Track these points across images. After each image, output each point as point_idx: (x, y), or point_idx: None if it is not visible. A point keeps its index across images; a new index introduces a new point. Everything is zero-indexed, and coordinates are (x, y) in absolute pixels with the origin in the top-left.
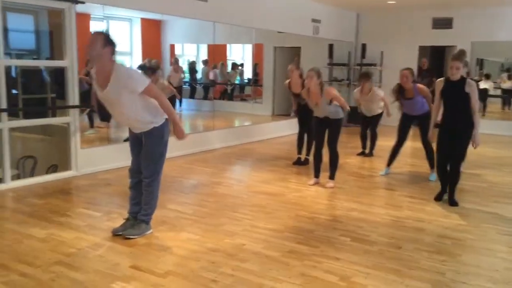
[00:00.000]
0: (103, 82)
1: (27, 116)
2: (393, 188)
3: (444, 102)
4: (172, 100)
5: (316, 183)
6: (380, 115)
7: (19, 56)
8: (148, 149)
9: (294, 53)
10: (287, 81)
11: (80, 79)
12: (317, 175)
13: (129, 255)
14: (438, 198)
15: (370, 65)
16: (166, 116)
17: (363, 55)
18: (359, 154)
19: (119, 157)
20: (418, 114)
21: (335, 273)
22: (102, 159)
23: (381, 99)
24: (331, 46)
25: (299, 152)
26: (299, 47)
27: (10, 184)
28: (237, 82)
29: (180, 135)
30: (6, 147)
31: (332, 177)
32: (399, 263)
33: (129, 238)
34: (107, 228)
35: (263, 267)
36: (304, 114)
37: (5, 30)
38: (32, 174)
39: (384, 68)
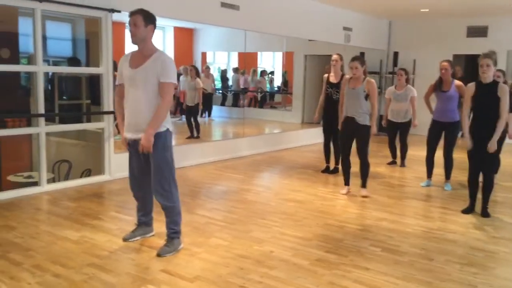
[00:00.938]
0: (138, 62)
1: (63, 121)
2: (425, 198)
3: (474, 109)
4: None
5: (348, 192)
6: (409, 123)
7: (56, 63)
8: (154, 158)
9: (325, 61)
10: (326, 74)
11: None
12: (347, 183)
13: (159, 259)
14: (467, 211)
15: (407, 73)
16: (170, 127)
17: (395, 63)
18: (390, 164)
19: None
20: (448, 121)
21: (365, 283)
22: None
23: (412, 100)
24: (362, 54)
25: (327, 160)
26: (330, 55)
27: (46, 187)
28: (267, 89)
29: (144, 141)
30: (43, 151)
31: (364, 185)
32: (430, 275)
33: (165, 256)
34: None
35: (291, 275)
36: (328, 122)
37: (44, 38)
38: (67, 178)
39: (417, 77)
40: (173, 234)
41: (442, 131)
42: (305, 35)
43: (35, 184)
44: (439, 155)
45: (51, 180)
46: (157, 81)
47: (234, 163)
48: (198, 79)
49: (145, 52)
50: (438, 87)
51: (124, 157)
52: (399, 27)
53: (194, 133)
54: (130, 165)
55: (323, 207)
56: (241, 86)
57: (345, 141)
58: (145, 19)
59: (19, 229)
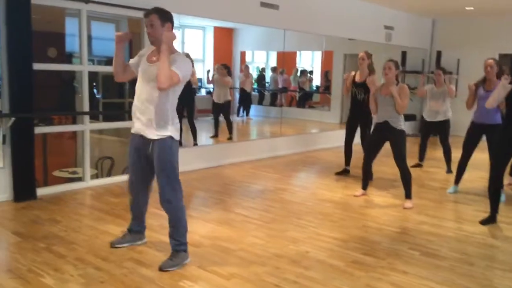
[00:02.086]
0: (154, 58)
1: (106, 119)
2: (467, 202)
3: (507, 109)
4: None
5: (363, 195)
6: (447, 122)
7: (100, 63)
8: (160, 159)
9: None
10: (352, 72)
11: None
12: (365, 187)
13: (196, 256)
14: (487, 221)
15: (446, 73)
16: (175, 136)
17: (438, 63)
18: (415, 166)
19: (189, 160)
20: (489, 123)
21: (402, 286)
22: None
23: (451, 93)
24: (404, 53)
25: (347, 163)
26: (371, 54)
27: (89, 183)
28: (309, 89)
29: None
30: (87, 148)
31: (408, 196)
32: (471, 280)
33: (167, 271)
34: None
35: (326, 275)
36: (351, 122)
37: (89, 38)
38: (109, 174)
39: (461, 77)
40: (178, 246)
41: (481, 134)
42: (345, 34)
43: (79, 179)
44: (483, 157)
45: (95, 176)
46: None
47: (271, 162)
48: (228, 77)
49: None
50: (482, 85)
51: None
52: (443, 25)
53: (219, 132)
54: (130, 163)
55: (361, 209)
56: (280, 86)
57: (374, 145)
58: (161, 18)
59: (63, 222)
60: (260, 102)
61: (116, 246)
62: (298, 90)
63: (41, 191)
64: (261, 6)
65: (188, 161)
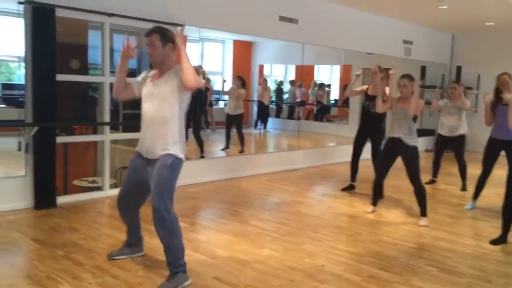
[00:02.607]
0: (157, 78)
1: (126, 129)
2: (485, 218)
3: None
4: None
5: (374, 211)
6: (462, 138)
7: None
8: (159, 173)
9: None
10: (365, 86)
11: None
12: (375, 203)
13: (211, 267)
14: (497, 242)
15: (466, 88)
16: (182, 155)
17: (457, 78)
18: (428, 183)
19: (206, 172)
20: (508, 139)
21: None
22: (190, 173)
23: (464, 106)
24: (423, 68)
25: (353, 178)
26: (389, 69)
27: (108, 192)
28: (327, 102)
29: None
30: (107, 157)
31: (423, 213)
32: None
33: None
34: (192, 239)
35: None
36: (361, 136)
37: (112, 50)
38: None
39: (481, 92)
40: (176, 268)
41: (500, 150)
42: (364, 48)
43: (99, 189)
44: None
45: (113, 186)
46: (177, 93)
47: (287, 175)
48: (242, 90)
49: (164, 71)
50: (498, 100)
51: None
52: (463, 40)
53: (230, 144)
54: (128, 176)
55: (377, 224)
56: (298, 99)
57: (386, 162)
58: (162, 39)
59: (82, 231)
60: (277, 115)
61: (114, 258)
62: (315, 103)
63: (61, 200)
64: (280, 20)
65: (205, 172)
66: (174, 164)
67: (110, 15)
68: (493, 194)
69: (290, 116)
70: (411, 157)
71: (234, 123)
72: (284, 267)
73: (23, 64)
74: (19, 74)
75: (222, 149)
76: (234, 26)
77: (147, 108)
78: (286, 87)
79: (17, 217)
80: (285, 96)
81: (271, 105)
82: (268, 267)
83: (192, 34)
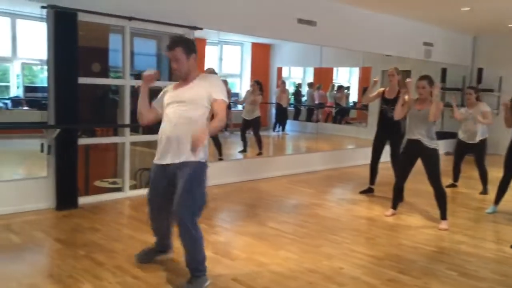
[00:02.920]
0: (181, 86)
1: (145, 131)
2: (508, 222)
3: None
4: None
5: (393, 214)
6: (483, 142)
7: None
8: (187, 182)
9: (403, 77)
10: (381, 89)
11: None
12: (395, 207)
13: (230, 268)
14: None
15: (487, 90)
16: (206, 159)
17: (479, 80)
18: (449, 186)
19: (225, 174)
20: None
21: None
22: (209, 175)
23: (484, 114)
24: (444, 70)
25: (372, 182)
26: (409, 71)
27: (128, 193)
28: (346, 105)
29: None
30: (127, 159)
31: (443, 217)
32: None
33: None
34: (212, 241)
35: None
36: (380, 140)
37: (132, 54)
38: (147, 185)
39: (503, 94)
40: (198, 272)
41: None
42: (383, 50)
43: (119, 189)
44: None
45: (133, 187)
46: (205, 101)
47: (306, 178)
48: (258, 96)
49: (190, 80)
50: None
51: None
52: (484, 42)
53: (247, 147)
54: (155, 187)
55: (397, 227)
56: (316, 101)
57: (406, 165)
58: (186, 51)
59: (103, 231)
60: (296, 118)
61: (141, 262)
62: (334, 106)
63: (82, 200)
64: (299, 22)
65: (224, 174)
66: (201, 175)
67: (130, 19)
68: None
69: (309, 119)
70: (431, 159)
71: (251, 126)
72: (302, 269)
73: (46, 67)
74: (42, 77)
75: (240, 152)
76: (253, 29)
77: (174, 115)
78: (305, 89)
79: (40, 218)
80: (304, 98)
81: (289, 108)
82: (286, 269)
83: (211, 37)
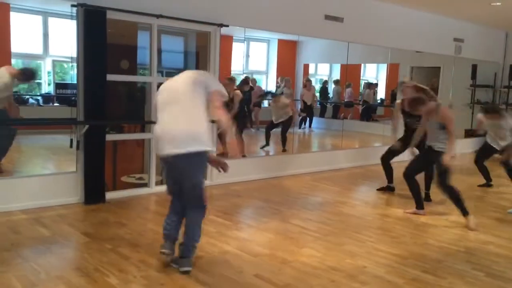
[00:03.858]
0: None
1: None
2: None
3: None
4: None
5: (420, 214)
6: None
7: (169, 74)
8: (189, 173)
9: (433, 73)
10: (399, 101)
11: None
12: (421, 206)
13: (253, 264)
14: None
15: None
16: (212, 149)
17: (511, 77)
18: (481, 186)
19: (250, 170)
20: None
21: None
22: (234, 172)
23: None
24: (474, 67)
25: (390, 180)
26: (439, 67)
27: (154, 189)
28: (375, 102)
29: (232, 150)
30: (153, 155)
31: (463, 213)
32: None
33: (187, 272)
34: (235, 237)
35: None
36: (402, 145)
37: (159, 51)
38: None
39: None
40: (190, 253)
41: None
42: (412, 47)
43: (145, 185)
44: None
45: (159, 183)
46: (202, 88)
47: (331, 175)
48: (285, 99)
49: None
50: None
51: None
52: None
53: (269, 142)
54: (168, 176)
55: (423, 226)
56: (345, 99)
57: (417, 162)
58: None
59: (129, 226)
60: (322, 115)
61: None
62: (361, 103)
63: (109, 195)
64: (326, 19)
65: (248, 171)
66: (203, 163)
67: (158, 16)
68: None
69: (335, 116)
70: (438, 163)
71: (280, 126)
72: (325, 267)
73: (75, 65)
74: (71, 74)
75: (261, 148)
76: (279, 26)
77: (173, 109)
78: (331, 86)
79: (68, 212)
80: (330, 95)
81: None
82: (309, 267)
83: (237, 34)
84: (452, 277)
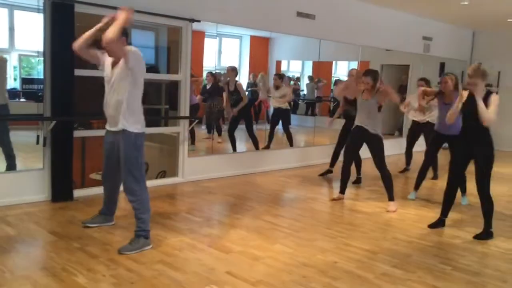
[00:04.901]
0: (114, 64)
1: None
2: (504, 218)
3: None
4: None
5: (340, 199)
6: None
7: None
8: (124, 154)
9: (402, 71)
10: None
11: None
12: (342, 191)
13: (224, 261)
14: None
15: (486, 85)
16: (140, 129)
17: None
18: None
19: (222, 167)
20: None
21: None
22: (206, 168)
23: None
24: (442, 65)
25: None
26: (408, 65)
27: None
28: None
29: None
30: None
31: (391, 198)
32: None
33: (125, 254)
34: (207, 234)
35: (354, 287)
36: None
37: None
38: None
39: (501, 90)
40: (140, 232)
41: None
42: (382, 45)
43: None
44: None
45: None
46: (128, 70)
47: (303, 172)
48: (284, 89)
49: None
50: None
51: (197, 161)
52: (484, 37)
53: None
54: (106, 157)
55: (392, 221)
56: (316, 95)
57: (352, 147)
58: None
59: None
60: (294, 112)
61: (87, 225)
62: (332, 99)
63: (77, 193)
64: (298, 16)
65: (222, 168)
66: (136, 142)
67: None
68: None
69: (307, 113)
70: (375, 145)
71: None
72: (296, 263)
73: (42, 59)
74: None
75: (263, 148)
76: (252, 22)
77: (111, 90)
78: (303, 83)
79: (35, 210)
80: (302, 92)
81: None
82: (281, 263)
83: (209, 30)
84: (421, 271)
